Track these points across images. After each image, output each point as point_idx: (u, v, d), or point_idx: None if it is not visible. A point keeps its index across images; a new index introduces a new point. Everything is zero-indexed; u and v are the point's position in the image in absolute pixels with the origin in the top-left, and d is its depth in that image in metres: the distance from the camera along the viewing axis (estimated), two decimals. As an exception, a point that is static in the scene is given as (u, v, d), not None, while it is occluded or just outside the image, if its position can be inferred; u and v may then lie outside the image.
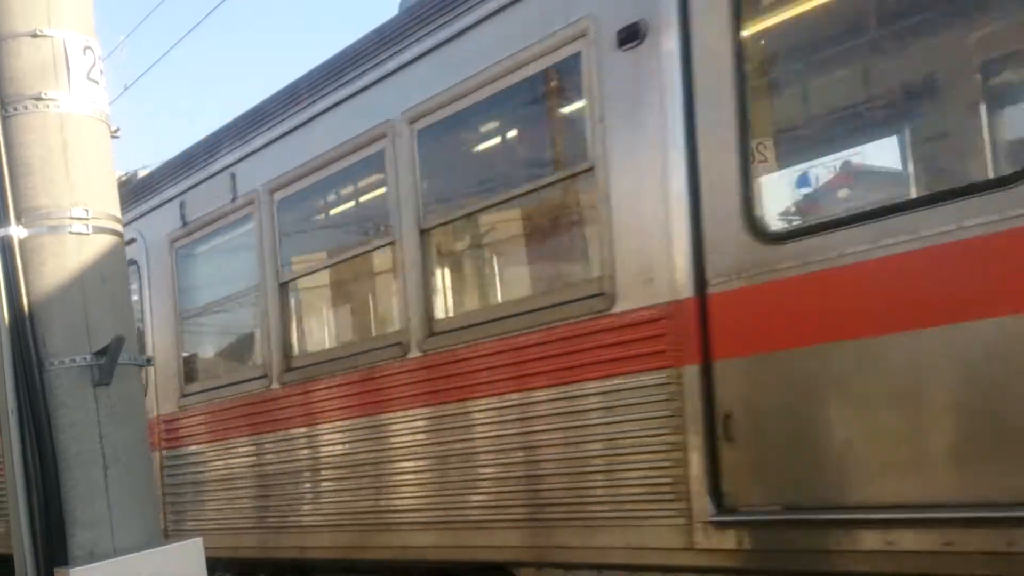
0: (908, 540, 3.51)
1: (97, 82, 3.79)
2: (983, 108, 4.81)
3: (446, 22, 5.37)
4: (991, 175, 4.54)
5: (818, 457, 3.82)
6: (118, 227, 3.86)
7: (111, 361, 3.60)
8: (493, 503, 5.06)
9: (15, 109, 3.62)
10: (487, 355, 5.07)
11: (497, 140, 6.03)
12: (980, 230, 3.34)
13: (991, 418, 3.38)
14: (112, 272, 3.77)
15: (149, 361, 3.98)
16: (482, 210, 5.66)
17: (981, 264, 3.39)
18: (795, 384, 3.89)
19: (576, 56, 4.65)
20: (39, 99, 3.63)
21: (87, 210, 3.68)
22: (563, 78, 5.00)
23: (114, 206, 3.87)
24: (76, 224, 3.65)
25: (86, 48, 3.76)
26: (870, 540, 3.62)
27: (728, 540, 4.02)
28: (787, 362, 3.90)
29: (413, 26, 5.65)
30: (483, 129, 5.92)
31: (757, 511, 3.99)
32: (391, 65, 5.72)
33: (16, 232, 3.56)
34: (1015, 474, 3.31)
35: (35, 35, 3.67)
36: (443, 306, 5.64)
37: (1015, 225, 3.26)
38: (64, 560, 3.42)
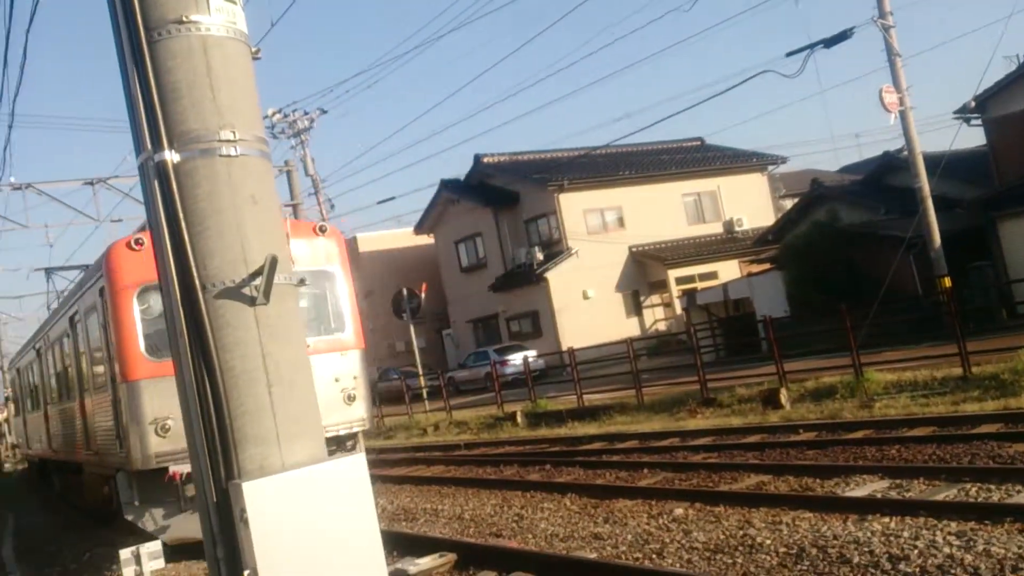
0: None
1: (235, 2, 3.74)
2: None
3: None
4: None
5: None
6: (265, 148, 3.85)
7: (268, 281, 3.62)
8: None
9: (159, 35, 3.61)
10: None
11: None
12: None
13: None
14: (262, 192, 3.77)
15: (303, 281, 3.98)
16: None
17: None
18: None
19: None
20: (181, 23, 3.61)
21: (234, 132, 3.67)
22: None
23: (259, 127, 3.85)
24: (225, 147, 3.65)
25: (221, -33, 3.70)
26: None
27: None
28: None
29: None
30: None
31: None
32: None
33: (170, 157, 3.58)
34: None
35: (171, -43, 3.63)
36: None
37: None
38: (237, 474, 3.53)
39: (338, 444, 11.55)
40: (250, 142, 3.74)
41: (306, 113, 34.36)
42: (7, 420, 45.94)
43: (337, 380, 11.70)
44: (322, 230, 12.08)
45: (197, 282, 3.59)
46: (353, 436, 11.89)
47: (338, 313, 12.15)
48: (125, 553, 7.59)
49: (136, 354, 10.61)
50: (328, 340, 11.77)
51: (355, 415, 11.76)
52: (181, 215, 3.58)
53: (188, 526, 10.37)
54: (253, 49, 3.89)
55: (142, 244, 10.70)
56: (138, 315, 10.65)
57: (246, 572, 3.29)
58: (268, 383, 3.61)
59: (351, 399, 11.75)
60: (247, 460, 3.54)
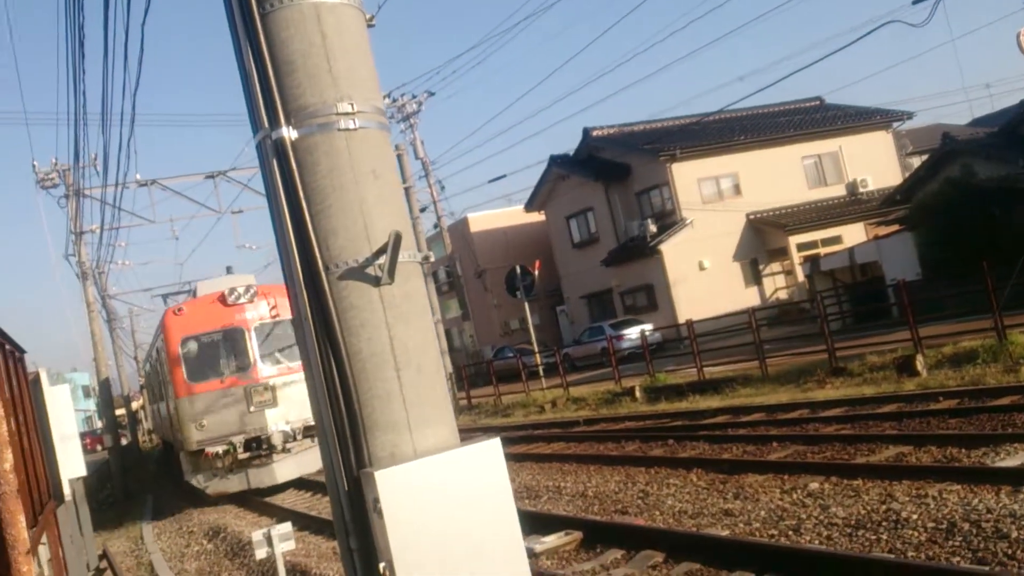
0: None
1: (346, -35, 3.56)
2: None
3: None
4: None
5: None
6: (383, 119, 3.66)
7: (392, 259, 3.45)
8: None
9: (271, 5, 3.45)
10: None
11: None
12: None
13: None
14: (382, 166, 3.58)
15: (427, 258, 3.80)
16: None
17: None
18: None
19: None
20: (291, -11, 3.45)
21: (352, 104, 3.49)
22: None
23: (376, 97, 3.66)
24: (343, 120, 3.47)
25: (329, -71, 3.52)
26: None
27: None
28: None
29: None
30: None
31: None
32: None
33: (288, 133, 3.44)
34: None
35: (276, -79, 3.46)
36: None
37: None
38: (368, 462, 3.39)
39: None
40: (368, 114, 3.55)
41: (414, 96, 34.65)
42: (143, 407, 50.37)
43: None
44: None
45: (320, 263, 3.45)
46: None
47: None
48: (257, 535, 7.71)
49: (182, 380, 17.88)
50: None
51: None
52: (302, 194, 3.44)
53: (221, 485, 18.08)
54: (367, 16, 3.70)
55: (183, 311, 18.44)
56: (182, 355, 17.94)
57: (381, 565, 3.16)
58: (396, 366, 3.44)
59: None
60: (378, 447, 3.39)
